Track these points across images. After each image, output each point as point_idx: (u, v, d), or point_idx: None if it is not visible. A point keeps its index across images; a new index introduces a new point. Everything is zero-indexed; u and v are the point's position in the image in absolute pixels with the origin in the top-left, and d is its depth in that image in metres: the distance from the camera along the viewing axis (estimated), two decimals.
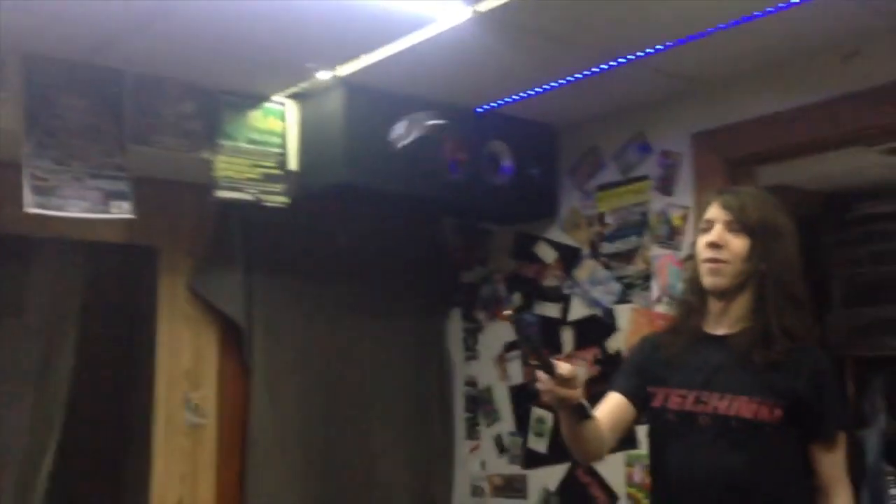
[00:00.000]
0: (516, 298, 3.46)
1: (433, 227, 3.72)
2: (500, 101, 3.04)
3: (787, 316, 1.90)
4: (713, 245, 1.95)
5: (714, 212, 1.98)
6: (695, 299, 2.01)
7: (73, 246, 2.96)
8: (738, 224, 1.94)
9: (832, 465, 1.90)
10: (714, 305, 1.98)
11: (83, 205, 2.51)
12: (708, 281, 1.96)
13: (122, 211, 2.57)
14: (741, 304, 1.95)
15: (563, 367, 1.87)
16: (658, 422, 1.99)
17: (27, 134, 2.45)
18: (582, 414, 1.92)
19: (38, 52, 2.51)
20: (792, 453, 1.89)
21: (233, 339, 3.21)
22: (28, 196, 2.41)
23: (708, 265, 1.95)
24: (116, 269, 3.12)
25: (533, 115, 3.20)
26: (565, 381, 1.85)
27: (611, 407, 2.07)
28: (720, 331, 1.97)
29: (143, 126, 2.68)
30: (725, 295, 1.96)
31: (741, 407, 1.87)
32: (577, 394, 1.89)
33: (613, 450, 2.14)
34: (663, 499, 2.00)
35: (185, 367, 3.13)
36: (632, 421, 2.11)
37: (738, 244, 1.94)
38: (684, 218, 2.92)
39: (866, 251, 4.03)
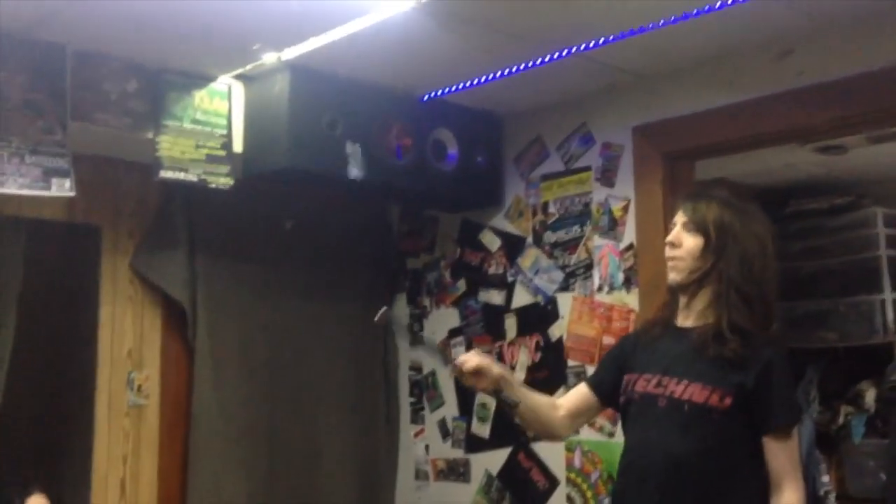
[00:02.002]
0: (461, 285, 3.50)
1: (379, 213, 3.74)
2: (445, 90, 3.07)
3: (738, 314, 2.00)
4: (669, 243, 2.12)
5: (677, 214, 2.15)
6: (669, 294, 2.17)
7: (12, 223, 2.93)
8: (693, 224, 2.08)
9: (782, 457, 1.97)
10: (681, 299, 2.13)
11: (22, 181, 2.49)
12: (669, 276, 2.13)
13: (62, 189, 2.56)
14: (702, 300, 2.08)
15: (466, 359, 2.11)
16: (629, 406, 2.12)
17: None
18: (504, 402, 2.10)
19: None
20: (741, 443, 1.98)
21: (176, 319, 3.21)
22: None
23: (668, 262, 2.12)
24: (57, 247, 3.08)
25: (479, 103, 3.23)
26: (470, 373, 2.08)
27: (575, 396, 2.29)
28: (687, 323, 2.10)
29: (85, 103, 2.66)
30: (686, 290, 2.10)
31: (694, 392, 1.99)
32: (485, 384, 2.11)
33: (571, 432, 2.41)
34: (621, 473, 2.14)
35: (128, 347, 3.12)
36: (594, 411, 2.31)
37: (691, 242, 2.07)
38: (625, 209, 2.98)
39: (801, 246, 4.14)
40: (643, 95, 2.95)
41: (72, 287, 3.13)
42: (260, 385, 3.35)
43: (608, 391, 2.21)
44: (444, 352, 2.17)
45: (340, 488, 3.52)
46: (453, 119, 3.20)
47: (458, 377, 2.20)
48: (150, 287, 3.16)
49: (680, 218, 2.12)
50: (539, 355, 3.18)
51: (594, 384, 2.25)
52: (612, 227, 3.01)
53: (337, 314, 3.60)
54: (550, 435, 2.33)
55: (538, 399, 2.25)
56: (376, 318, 2.32)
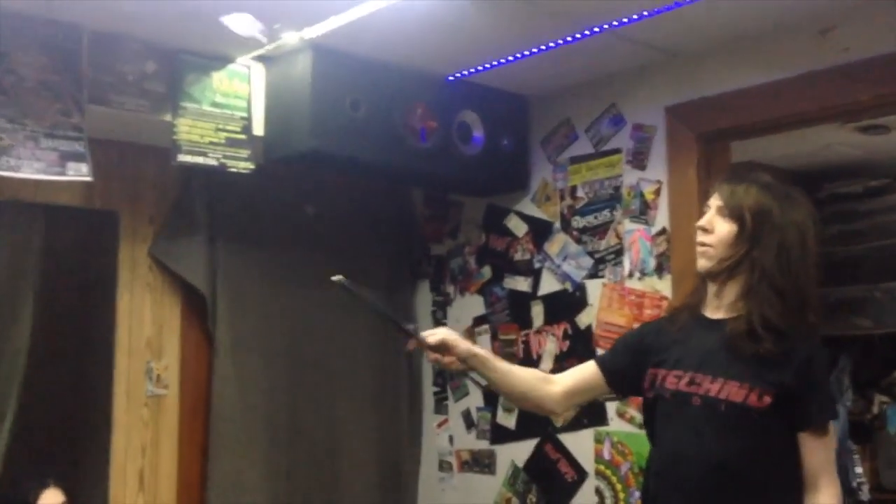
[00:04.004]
0: (486, 271, 3.41)
1: (402, 198, 3.66)
2: (471, 70, 2.98)
3: (771, 308, 1.86)
4: (701, 228, 1.98)
5: (712, 196, 2.00)
6: (697, 281, 2.04)
7: (29, 209, 2.86)
8: (728, 209, 1.94)
9: (819, 454, 1.87)
10: (710, 288, 1.99)
11: (38, 165, 2.41)
12: (698, 263, 1.99)
13: (79, 173, 2.48)
14: (733, 290, 1.94)
15: (431, 332, 1.98)
16: (656, 402, 1.98)
17: None
18: (474, 382, 2.01)
19: None
20: (779, 442, 1.87)
21: (196, 307, 3.14)
22: None
23: (697, 247, 1.99)
24: (75, 234, 3.01)
25: (505, 84, 3.14)
26: (437, 349, 1.96)
27: (581, 373, 2.14)
28: (718, 315, 1.97)
29: (101, 85, 2.59)
30: (716, 278, 1.96)
31: (731, 391, 1.86)
32: (451, 361, 1.98)
33: (568, 409, 2.38)
34: (654, 476, 1.99)
35: (147, 335, 3.05)
36: (597, 392, 2.18)
37: (725, 229, 1.94)
38: (657, 193, 2.88)
39: (835, 231, 4.04)
40: (676, 74, 2.85)
41: (89, 274, 3.07)
42: (281, 374, 3.29)
43: (618, 376, 2.09)
44: (399, 321, 2.01)
45: (362, 478, 3.46)
46: (479, 101, 3.10)
47: (424, 353, 2.02)
48: (169, 274, 3.09)
49: (714, 201, 1.99)
50: (567, 344, 3.10)
51: (605, 365, 2.11)
52: (644, 211, 2.91)
53: (358, 304, 3.51)
54: (540, 409, 2.18)
55: (522, 374, 2.12)
56: (335, 279, 1.98)
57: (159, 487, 3.02)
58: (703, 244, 1.96)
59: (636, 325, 2.86)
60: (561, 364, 3.09)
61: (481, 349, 2.09)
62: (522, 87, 3.18)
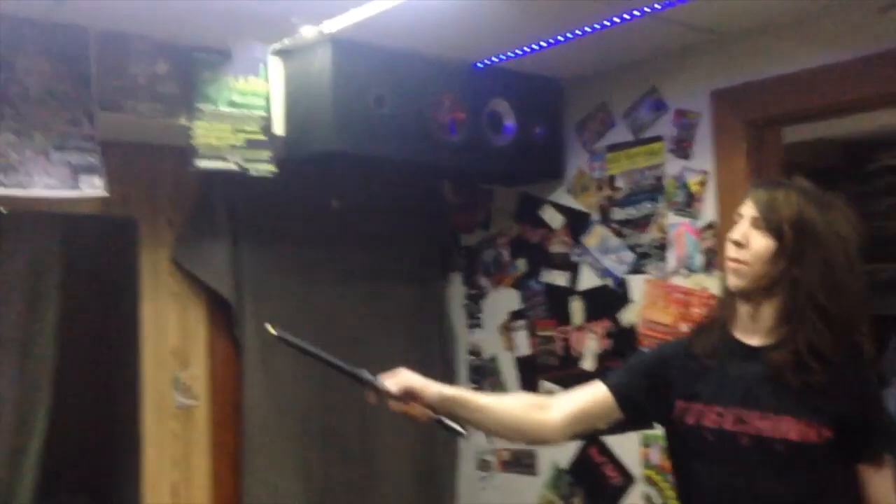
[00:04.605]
0: (521, 264, 3.27)
1: (430, 187, 3.51)
2: (501, 57, 2.80)
3: (819, 336, 1.68)
4: (734, 243, 1.77)
5: (745, 206, 1.79)
6: (726, 297, 1.83)
7: (47, 220, 2.75)
8: (765, 222, 1.73)
9: (882, 485, 1.72)
10: (742, 308, 1.79)
11: (49, 182, 2.28)
12: (728, 280, 1.79)
13: (93, 187, 2.35)
14: (770, 312, 1.75)
15: (391, 382, 1.75)
16: (692, 441, 1.78)
17: None
18: (450, 431, 1.76)
19: None
20: (841, 478, 1.71)
21: (222, 313, 3.02)
22: None
23: (728, 263, 1.78)
24: (94, 243, 2.90)
25: (537, 69, 2.96)
26: (402, 397, 1.74)
27: (585, 396, 1.89)
28: (754, 340, 1.77)
29: (112, 90, 2.44)
30: (750, 298, 1.76)
31: (787, 428, 1.68)
32: (419, 412, 1.76)
33: (568, 439, 1.94)
34: None
35: (172, 345, 2.94)
36: (605, 420, 1.91)
37: (761, 244, 1.73)
38: (703, 184, 2.70)
39: (886, 204, 3.86)
40: (721, 56, 2.66)
41: (111, 285, 2.97)
42: (312, 376, 3.16)
43: (633, 401, 1.85)
44: (350, 371, 1.77)
45: (399, 478, 3.36)
46: (510, 87, 2.93)
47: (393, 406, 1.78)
48: (192, 280, 2.97)
49: (748, 210, 1.77)
50: (610, 342, 2.95)
51: (617, 387, 1.86)
52: (689, 203, 2.74)
53: (389, 297, 3.40)
54: (535, 441, 1.97)
55: (509, 405, 1.88)
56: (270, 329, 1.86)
57: (194, 500, 2.93)
58: (737, 260, 1.75)
59: (683, 326, 2.71)
60: (604, 363, 2.96)
61: (454, 389, 1.85)
62: (555, 70, 3.00)
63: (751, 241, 1.74)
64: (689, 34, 2.62)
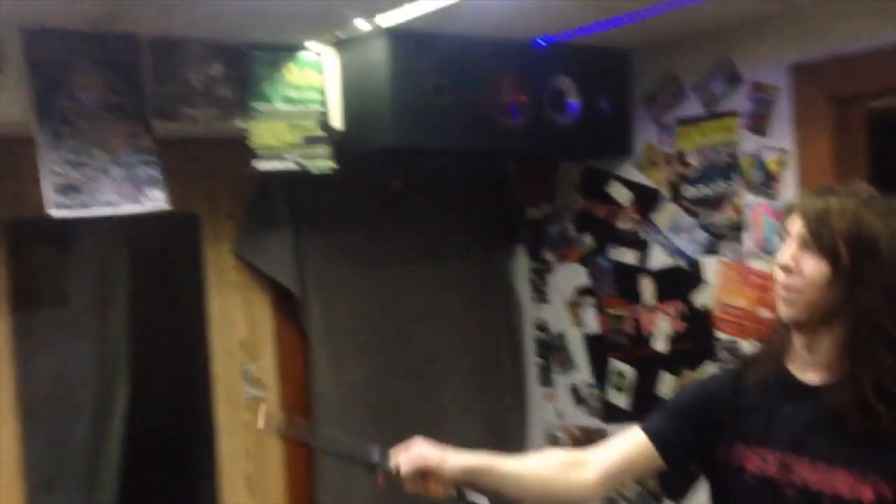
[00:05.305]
0: (588, 240, 3.17)
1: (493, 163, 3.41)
2: (563, 34, 2.66)
3: (887, 373, 1.47)
4: (782, 268, 1.55)
5: (792, 220, 1.56)
6: (780, 327, 1.61)
7: (113, 219, 2.74)
8: (816, 240, 1.50)
9: None
10: (797, 339, 1.58)
11: (111, 199, 2.26)
12: (779, 309, 1.57)
13: (155, 201, 2.32)
14: (828, 345, 1.54)
15: (401, 461, 1.65)
16: (733, 483, 1.61)
17: (40, 124, 2.18)
18: None
19: (39, 24, 2.20)
20: None
21: (287, 303, 3.01)
22: (49, 196, 2.16)
23: (777, 291, 1.56)
24: (159, 241, 2.91)
25: (602, 40, 2.80)
26: (416, 478, 1.64)
27: (622, 446, 1.73)
28: (810, 377, 1.58)
29: (167, 98, 2.39)
30: (805, 329, 1.56)
31: (836, 482, 1.48)
32: (440, 489, 1.65)
33: (607, 495, 1.86)
34: None
35: (240, 337, 2.95)
36: (647, 470, 1.75)
37: (813, 268, 1.50)
38: (782, 163, 2.56)
39: None
40: (802, 27, 2.48)
41: (177, 279, 2.98)
42: (379, 361, 3.17)
43: (676, 447, 1.67)
44: (358, 455, 1.71)
45: None
46: (573, 63, 2.80)
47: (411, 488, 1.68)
48: (256, 272, 2.96)
49: (795, 227, 1.54)
50: (683, 325, 2.86)
51: (657, 434, 1.68)
52: (767, 183, 2.60)
53: (453, 274, 3.35)
54: (570, 503, 1.74)
55: (538, 467, 1.74)
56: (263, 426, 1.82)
57: (268, 490, 2.98)
58: (787, 287, 1.53)
59: (761, 311, 2.61)
60: (676, 346, 2.88)
61: (476, 457, 1.71)
62: (621, 41, 2.84)
63: (801, 265, 1.52)
64: (766, 2, 2.45)
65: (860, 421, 1.47)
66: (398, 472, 1.66)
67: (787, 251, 1.55)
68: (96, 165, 2.25)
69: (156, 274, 2.97)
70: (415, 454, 1.68)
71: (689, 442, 1.67)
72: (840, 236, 1.48)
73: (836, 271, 1.49)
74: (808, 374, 1.58)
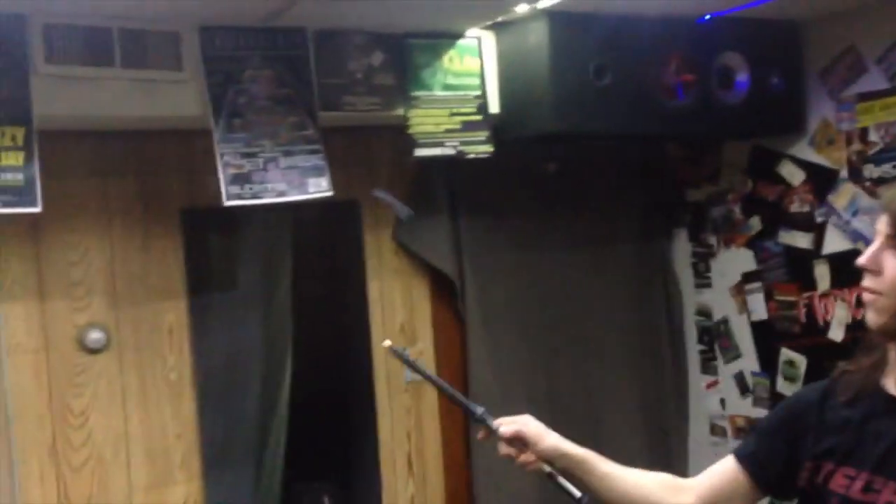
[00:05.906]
0: (755, 223, 3.03)
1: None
2: (730, 7, 2.53)
3: None
4: (865, 269, 1.43)
5: (879, 220, 1.45)
6: (873, 337, 1.49)
7: (279, 211, 2.84)
8: None
9: None
10: (891, 351, 1.45)
11: (280, 188, 2.33)
12: (866, 316, 1.46)
13: (319, 189, 2.38)
14: None
15: (503, 422, 1.62)
16: (816, 501, 1.50)
17: (214, 118, 2.27)
18: (561, 490, 1.58)
19: (215, 23, 2.29)
20: None
21: (445, 288, 3.04)
22: (223, 186, 2.26)
23: (863, 296, 1.45)
24: (321, 226, 2.99)
25: (772, 11, 2.65)
26: (513, 442, 1.58)
27: (717, 478, 1.63)
28: None
29: (331, 89, 2.44)
30: (894, 338, 1.43)
31: None
32: (530, 459, 1.61)
33: None
34: None
35: (399, 321, 3.00)
36: (744, 498, 1.61)
37: None
38: None
39: None
40: None
41: (339, 265, 3.05)
42: (536, 345, 3.15)
43: (769, 472, 1.56)
44: (464, 403, 1.73)
45: (627, 444, 3.28)
46: (741, 37, 2.67)
47: (504, 451, 1.66)
48: (414, 258, 2.99)
49: (882, 226, 1.43)
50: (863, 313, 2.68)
51: (748, 460, 1.59)
52: None
53: (611, 257, 3.28)
54: None
55: (639, 480, 1.65)
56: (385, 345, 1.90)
57: (427, 470, 3.02)
58: (872, 291, 1.42)
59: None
60: (853, 335, 2.71)
61: (576, 447, 1.67)
62: (793, 12, 2.68)
63: (884, 266, 1.40)
64: None
65: None
66: (499, 432, 1.67)
67: (870, 251, 1.44)
68: (266, 156, 2.33)
69: (318, 259, 3.05)
70: (520, 422, 1.68)
71: (780, 463, 1.56)
72: None
73: None
74: None
